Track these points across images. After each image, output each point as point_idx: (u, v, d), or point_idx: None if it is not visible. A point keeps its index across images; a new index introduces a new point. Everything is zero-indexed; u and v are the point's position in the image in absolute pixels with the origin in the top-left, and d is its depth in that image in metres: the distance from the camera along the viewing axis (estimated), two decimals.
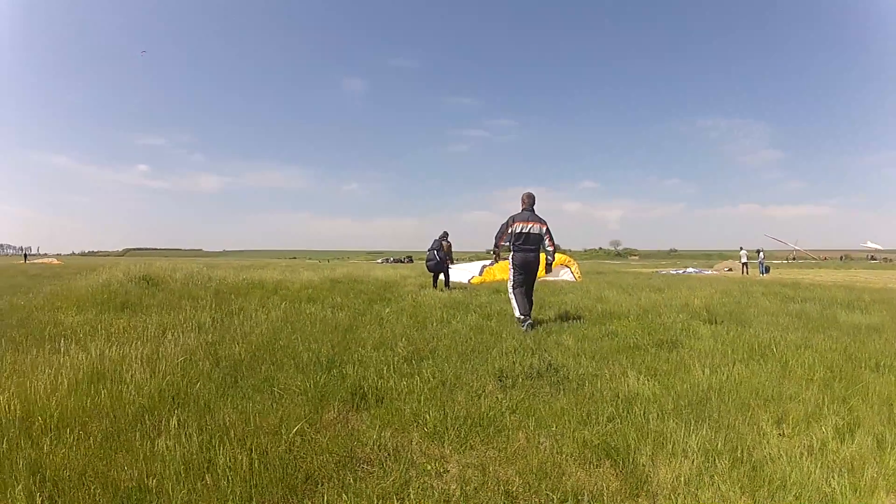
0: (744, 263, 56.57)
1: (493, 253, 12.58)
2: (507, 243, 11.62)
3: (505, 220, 11.60)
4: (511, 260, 11.75)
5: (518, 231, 11.35)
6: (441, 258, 20.28)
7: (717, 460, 4.48)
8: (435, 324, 11.01)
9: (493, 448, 4.72)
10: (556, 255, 23.63)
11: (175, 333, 8.73)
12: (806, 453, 4.71)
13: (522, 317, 11.07)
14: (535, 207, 11.74)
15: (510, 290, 11.71)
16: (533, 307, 11.81)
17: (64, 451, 4.13)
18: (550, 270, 12.69)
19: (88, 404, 5.13)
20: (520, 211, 11.65)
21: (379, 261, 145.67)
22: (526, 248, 11.49)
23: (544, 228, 11.53)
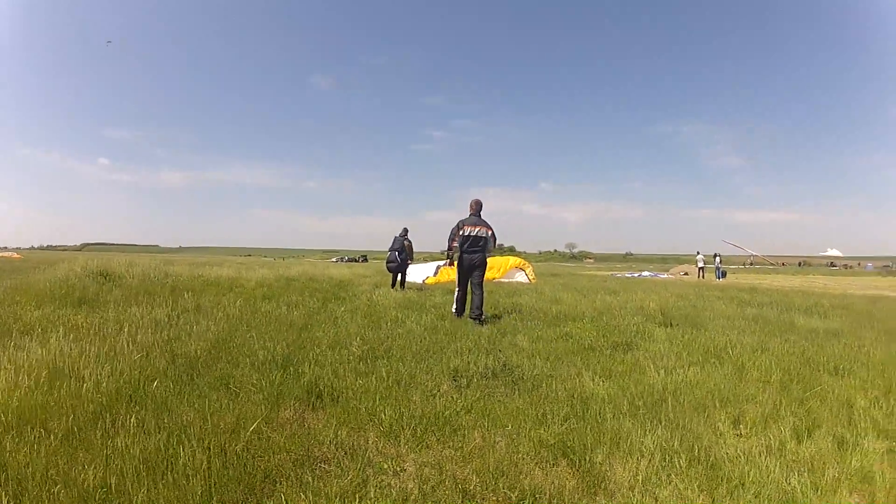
0: (700, 268, 57.06)
1: (447, 254, 13.39)
2: (456, 244, 12.55)
3: (455, 224, 12.72)
4: (457, 261, 12.81)
5: (466, 234, 12.49)
6: (402, 259, 20.18)
7: (674, 459, 4.61)
8: (389, 323, 11.05)
9: (449, 447, 4.79)
10: (512, 257, 29.21)
11: (132, 330, 8.67)
12: (764, 453, 4.88)
13: (456, 311, 12.72)
14: (481, 213, 12.92)
15: (456, 290, 13.03)
16: (485, 307, 12.66)
17: (26, 449, 4.12)
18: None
19: (49, 402, 5.10)
20: (468, 216, 12.82)
21: (334, 259, 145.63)
22: (472, 249, 12.52)
23: (489, 232, 12.62)
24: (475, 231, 12.53)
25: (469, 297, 12.71)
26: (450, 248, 12.84)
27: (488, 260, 13.25)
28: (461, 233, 12.54)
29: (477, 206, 12.90)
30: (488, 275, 15.90)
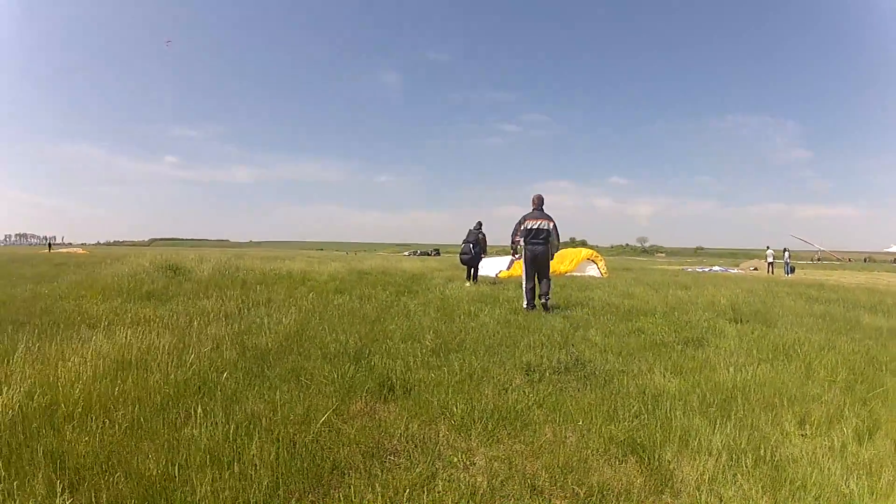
0: (770, 263, 55.84)
1: (511, 248, 14.32)
2: (520, 238, 13.36)
3: (518, 220, 13.49)
4: (523, 255, 13.50)
5: (529, 227, 13.24)
6: (476, 252, 20.02)
7: (740, 459, 4.44)
8: (462, 317, 10.98)
9: (519, 442, 4.70)
10: (584, 249, 28.85)
11: (201, 323, 8.74)
12: (827, 454, 4.67)
13: (527, 306, 12.87)
14: (543, 207, 13.59)
15: (524, 283, 13.37)
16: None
17: (87, 438, 4.11)
18: (553, 257, 13.89)
19: (114, 392, 5.12)
20: (531, 210, 13.50)
21: (406, 253, 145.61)
22: (535, 242, 13.22)
23: (551, 224, 13.32)
24: (537, 224, 13.17)
25: (537, 287, 13.23)
26: (513, 242, 13.66)
27: (561, 252, 14.33)
28: (524, 226, 13.25)
29: (539, 201, 13.53)
30: (560, 267, 19.09)
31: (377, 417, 5.10)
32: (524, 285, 13.31)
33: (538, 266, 13.25)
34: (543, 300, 12.91)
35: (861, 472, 4.40)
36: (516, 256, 15.39)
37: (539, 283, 13.23)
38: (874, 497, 4.06)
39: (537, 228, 13.18)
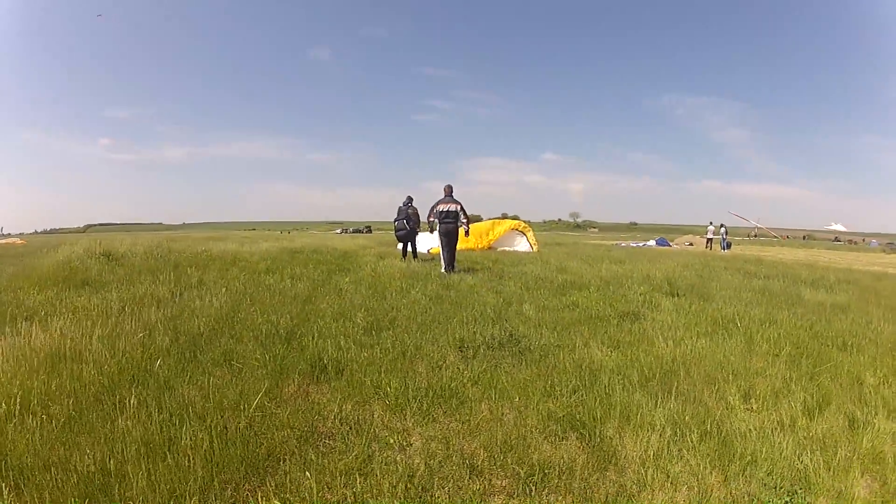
0: (709, 239, 56.54)
1: (428, 224, 17.96)
2: (434, 219, 17.17)
3: (433, 204, 17.34)
4: (438, 230, 17.12)
5: (441, 210, 17.06)
6: (411, 227, 20.14)
7: (685, 433, 4.58)
8: (394, 294, 11.05)
9: (455, 420, 4.77)
10: (508, 220, 32.04)
11: (134, 309, 8.61)
12: (777, 429, 4.84)
13: (445, 270, 16.29)
14: (453, 194, 17.46)
15: (441, 253, 17.10)
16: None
17: (27, 436, 4.06)
18: (467, 235, 18.39)
19: (51, 386, 5.03)
20: (443, 196, 17.36)
21: (338, 231, 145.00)
22: (447, 221, 16.99)
23: (458, 207, 17.16)
24: (447, 207, 17.06)
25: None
26: (428, 221, 17.64)
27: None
28: (437, 209, 17.13)
29: (449, 189, 17.56)
30: (483, 242, 25.18)
31: (310, 399, 5.14)
32: (442, 254, 17.00)
33: (450, 239, 16.95)
34: (452, 266, 16.57)
35: (815, 447, 4.55)
36: (431, 231, 18.37)
37: (448, 254, 16.75)
38: (831, 472, 4.19)
39: (447, 210, 17.03)
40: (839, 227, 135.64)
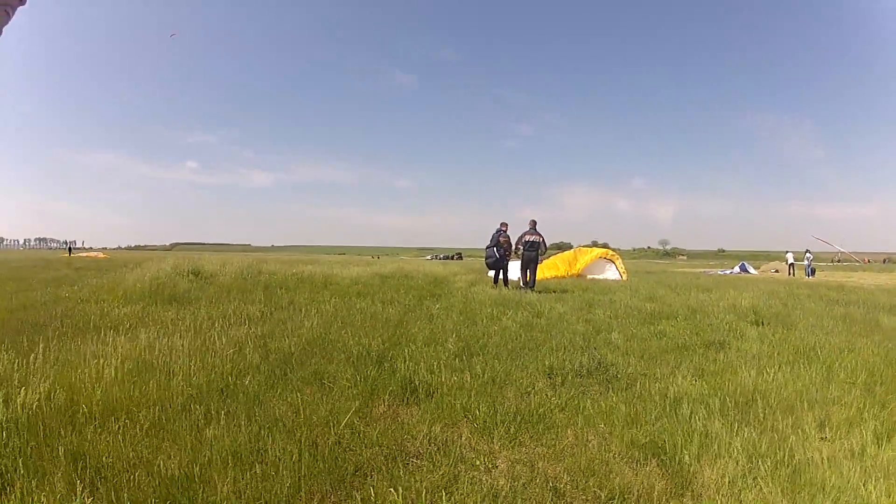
0: (790, 265, 55.68)
1: (516, 252, 20.26)
2: (521, 247, 19.82)
3: (519, 235, 19.94)
4: (521, 257, 19.91)
5: (526, 240, 19.75)
6: (501, 254, 20.09)
7: (760, 462, 4.46)
8: (485, 321, 10.99)
9: (541, 445, 4.72)
10: (597, 249, 33.62)
11: (224, 325, 8.78)
12: (847, 457, 4.69)
13: (523, 287, 19.16)
14: (536, 227, 20.01)
15: (520, 276, 20.06)
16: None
17: (108, 438, 4.15)
18: (540, 262, 20.89)
19: (135, 393, 5.15)
20: (528, 229, 19.96)
21: (428, 257, 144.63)
22: (529, 250, 19.75)
23: (540, 239, 19.84)
24: (531, 238, 19.72)
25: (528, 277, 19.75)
26: (517, 250, 20.08)
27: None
28: (523, 239, 19.79)
29: (533, 223, 20.12)
30: (572, 269, 27.44)
31: (399, 420, 5.13)
32: (522, 276, 19.99)
33: (528, 265, 19.78)
34: (532, 286, 19.24)
35: (879, 474, 4.40)
36: (516, 258, 20.68)
37: (531, 275, 19.66)
38: (891, 499, 4.06)
39: (531, 241, 19.70)
40: None
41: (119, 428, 4.38)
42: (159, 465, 3.78)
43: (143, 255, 57.03)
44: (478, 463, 4.30)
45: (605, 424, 5.20)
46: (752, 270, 61.30)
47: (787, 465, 4.45)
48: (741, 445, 4.74)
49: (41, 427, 4.34)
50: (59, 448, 3.94)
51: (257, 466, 3.83)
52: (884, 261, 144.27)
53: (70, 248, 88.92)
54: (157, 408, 4.86)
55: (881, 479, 4.31)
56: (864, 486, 4.21)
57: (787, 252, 58.64)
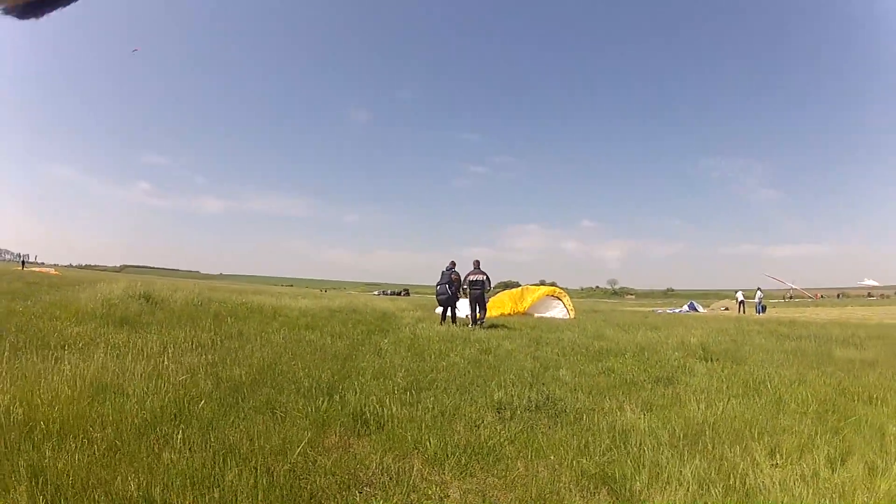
0: (741, 302, 56.55)
1: (462, 292, 20.98)
2: (466, 286, 20.65)
3: (465, 274, 20.74)
4: (468, 295, 20.67)
5: (471, 279, 20.63)
6: (452, 292, 20.45)
7: (711, 488, 4.59)
8: (434, 356, 11.04)
9: (492, 475, 4.80)
10: (543, 287, 35.16)
11: (175, 352, 8.76)
12: (799, 481, 4.82)
13: (472, 325, 19.45)
14: (480, 266, 21.04)
15: (469, 313, 20.54)
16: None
17: (66, 457, 4.14)
18: (486, 301, 21.74)
19: (91, 414, 5.15)
20: (472, 269, 20.92)
21: (376, 293, 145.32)
22: (475, 288, 20.58)
23: (485, 277, 20.78)
24: (476, 277, 20.62)
25: (477, 314, 20.41)
26: (461, 289, 20.80)
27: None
28: (468, 279, 20.65)
29: (477, 263, 21.13)
30: (519, 307, 28.15)
31: (352, 450, 5.18)
32: (470, 314, 20.53)
33: (476, 302, 20.53)
34: (480, 322, 20.08)
35: (834, 495, 4.56)
36: (463, 296, 21.38)
37: (479, 312, 20.48)
38: None
39: (475, 280, 20.59)
40: (872, 283, 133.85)
41: (76, 447, 4.37)
42: (118, 486, 3.78)
43: (94, 275, 56.28)
44: (430, 492, 4.36)
45: (554, 456, 5.29)
46: (700, 309, 62.14)
47: (739, 491, 4.59)
48: (691, 473, 4.85)
49: (1, 440, 4.36)
50: (21, 462, 3.95)
51: (216, 491, 3.85)
52: (837, 296, 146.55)
53: (23, 262, 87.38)
54: (113, 429, 4.86)
55: (836, 499, 4.47)
56: None
57: (737, 291, 59.70)
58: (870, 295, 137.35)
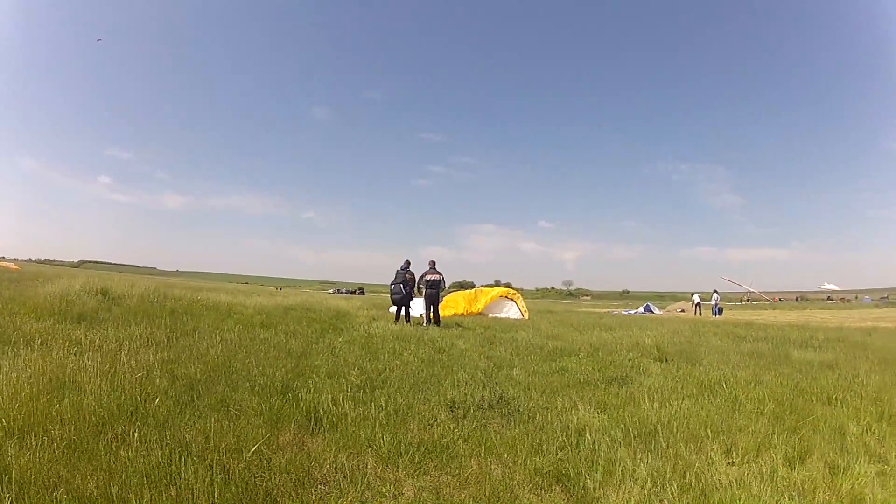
0: (696, 304, 56.54)
1: (417, 291, 21.16)
2: (422, 286, 20.75)
3: (420, 274, 20.91)
4: (424, 294, 20.83)
5: (427, 279, 20.71)
6: (407, 291, 20.51)
7: (666, 486, 4.68)
8: (387, 355, 11.07)
9: (446, 473, 4.85)
10: (497, 288, 35.90)
11: (132, 349, 8.68)
12: (756, 479, 4.92)
13: (427, 324, 19.88)
14: (436, 266, 21.24)
15: (424, 312, 20.83)
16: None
17: (28, 455, 4.15)
18: (442, 298, 23.22)
19: (51, 411, 5.14)
20: (428, 269, 21.11)
21: (331, 291, 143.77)
22: (430, 288, 20.70)
23: (440, 277, 21.03)
24: (431, 277, 20.76)
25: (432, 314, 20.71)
26: (417, 288, 20.95)
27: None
28: (423, 279, 20.76)
29: (432, 263, 21.30)
30: (473, 308, 28.11)
31: (306, 449, 5.20)
32: (425, 314, 20.75)
33: (432, 301, 20.73)
34: (436, 322, 20.28)
35: (793, 493, 4.67)
36: (418, 295, 21.67)
37: (434, 312, 20.70)
38: None
39: (431, 280, 20.71)
40: (831, 287, 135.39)
41: (38, 444, 4.38)
42: (78, 484, 3.80)
43: (53, 270, 55.40)
44: (384, 490, 4.43)
45: (508, 454, 5.36)
46: (656, 311, 61.87)
47: (695, 488, 4.68)
48: (646, 471, 4.95)
49: None
50: None
51: (172, 489, 3.88)
52: (796, 299, 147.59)
53: None
54: (72, 427, 4.86)
55: (796, 497, 4.58)
56: (776, 503, 4.44)
57: (693, 293, 60.06)
58: (829, 299, 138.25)
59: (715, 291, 55.61)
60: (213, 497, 3.85)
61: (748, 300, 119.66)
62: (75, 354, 7.68)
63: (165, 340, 10.14)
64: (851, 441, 6.15)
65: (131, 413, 5.49)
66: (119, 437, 4.81)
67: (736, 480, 4.87)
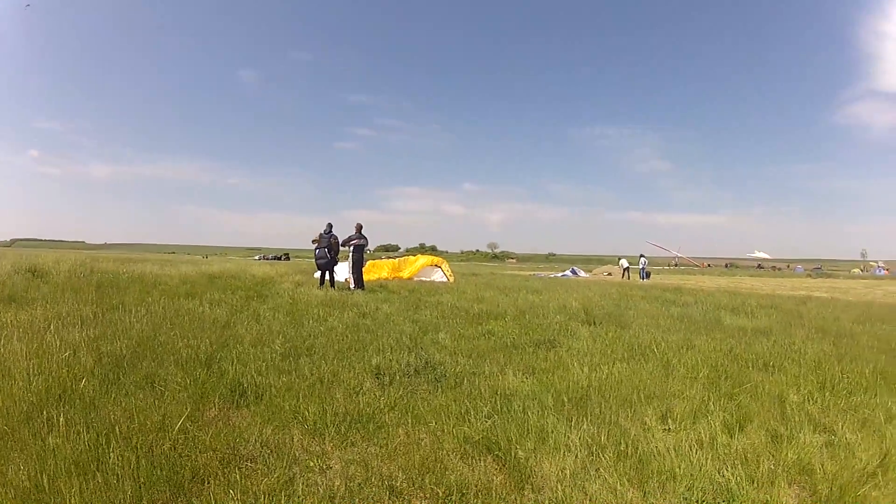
0: (625, 269, 57.65)
1: (343, 255, 22.09)
2: (348, 248, 21.69)
3: (346, 238, 21.50)
4: (351, 258, 21.75)
5: (353, 243, 21.51)
6: (332, 256, 20.64)
7: (601, 454, 4.77)
8: (312, 321, 11.16)
9: (374, 444, 4.91)
10: (423, 256, 34.81)
11: (58, 327, 8.56)
12: (695, 447, 5.02)
13: (354, 287, 20.48)
14: (362, 231, 21.97)
15: (352, 276, 21.55)
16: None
17: None
18: (366, 261, 24.37)
19: None
20: (354, 233, 21.78)
21: (256, 258, 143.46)
22: (356, 253, 21.61)
23: (365, 242, 21.97)
24: (358, 242, 21.58)
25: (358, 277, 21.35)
26: (344, 247, 21.64)
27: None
28: (351, 242, 21.46)
29: (359, 227, 21.95)
30: (400, 274, 28.46)
31: (231, 423, 5.22)
32: (352, 277, 21.41)
33: (358, 266, 21.59)
34: (359, 285, 20.82)
35: (736, 461, 4.76)
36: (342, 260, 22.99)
37: (357, 277, 21.20)
38: (755, 484, 4.41)
39: (357, 244, 21.56)
40: (762, 255, 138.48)
41: None
42: (11, 476, 3.80)
43: None
44: (312, 464, 4.45)
45: (436, 422, 5.44)
46: (582, 274, 63.25)
47: (631, 456, 4.75)
48: (580, 439, 5.04)
49: None
50: None
51: (99, 475, 3.84)
52: (726, 265, 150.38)
53: None
54: (2, 415, 4.83)
55: (738, 466, 4.65)
56: (719, 472, 4.53)
57: (620, 258, 61.20)
58: (760, 266, 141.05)
59: (642, 256, 56.91)
60: (140, 481, 3.82)
61: (676, 265, 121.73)
62: (4, 338, 7.51)
63: (92, 316, 9.98)
64: (792, 409, 6.24)
65: (59, 396, 5.40)
66: (48, 422, 4.74)
67: (674, 447, 4.94)
